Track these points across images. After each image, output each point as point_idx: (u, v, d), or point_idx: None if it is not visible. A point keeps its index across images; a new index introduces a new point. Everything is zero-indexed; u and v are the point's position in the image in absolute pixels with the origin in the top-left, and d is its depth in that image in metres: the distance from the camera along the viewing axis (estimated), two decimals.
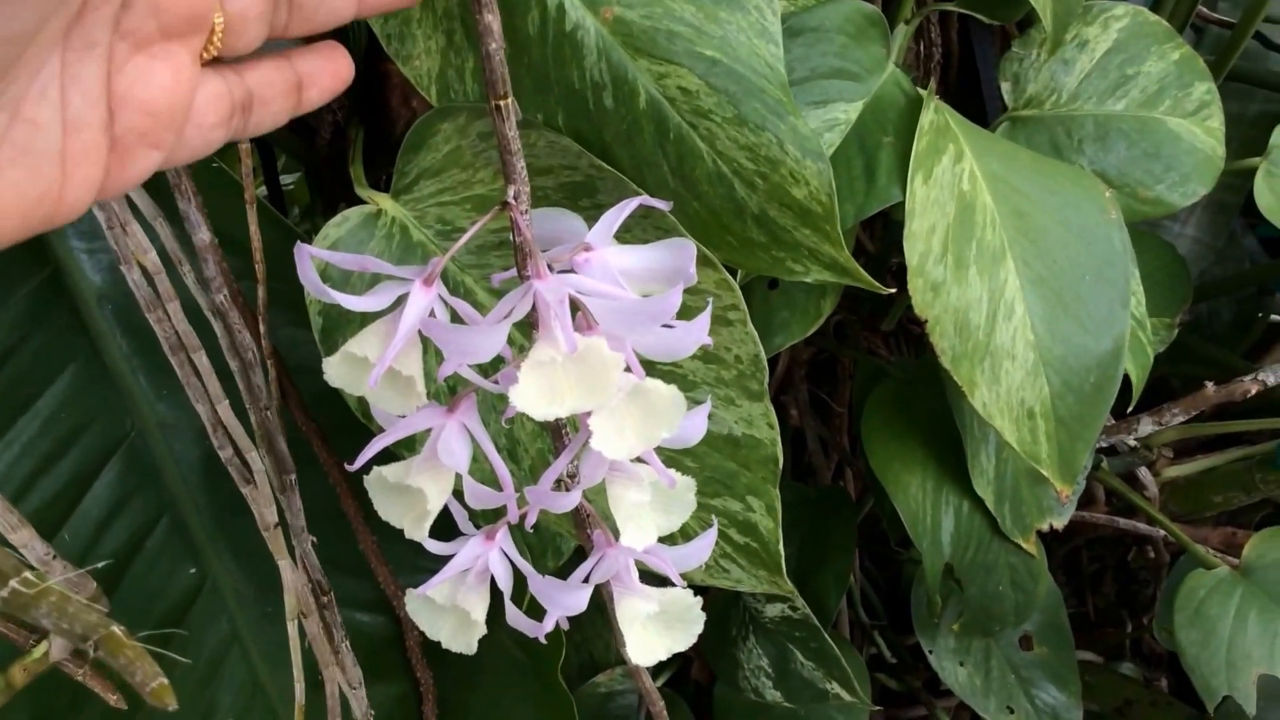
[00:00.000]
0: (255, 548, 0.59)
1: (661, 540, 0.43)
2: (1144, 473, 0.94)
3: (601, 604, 0.85)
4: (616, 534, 0.42)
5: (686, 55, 0.44)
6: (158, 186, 0.53)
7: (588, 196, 0.46)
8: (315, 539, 0.58)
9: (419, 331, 0.39)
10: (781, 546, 0.50)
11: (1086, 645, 1.08)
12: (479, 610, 0.43)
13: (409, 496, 0.40)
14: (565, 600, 0.42)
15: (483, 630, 0.43)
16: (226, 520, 0.63)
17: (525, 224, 0.38)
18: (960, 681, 0.81)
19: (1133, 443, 0.91)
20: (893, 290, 0.53)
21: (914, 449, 0.72)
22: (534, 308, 0.37)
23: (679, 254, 0.39)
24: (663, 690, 0.87)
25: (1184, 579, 0.76)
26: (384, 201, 0.50)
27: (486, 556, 0.43)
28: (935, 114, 0.62)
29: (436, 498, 0.40)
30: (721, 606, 0.83)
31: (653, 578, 0.43)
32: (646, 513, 0.41)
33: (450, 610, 0.43)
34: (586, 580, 0.42)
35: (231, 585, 0.64)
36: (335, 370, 0.39)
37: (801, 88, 0.61)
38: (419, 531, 0.41)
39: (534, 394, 0.35)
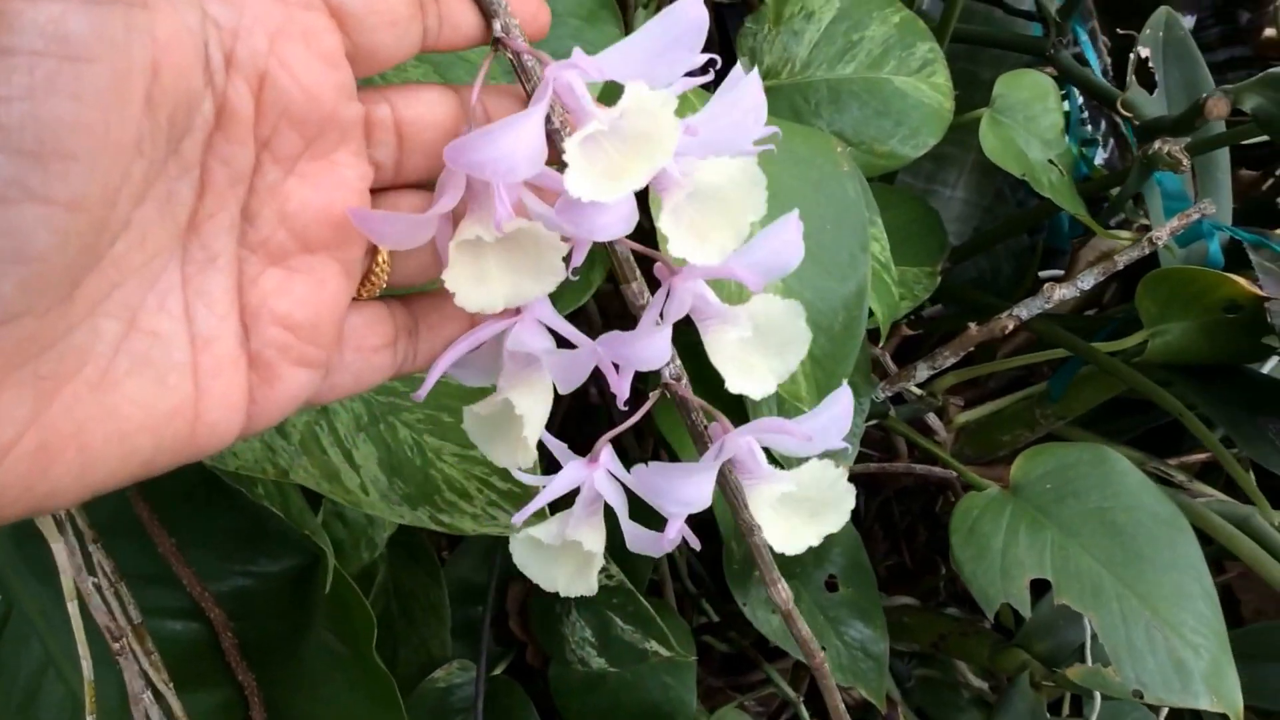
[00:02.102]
0: (56, 567, 0.61)
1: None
2: (932, 418, 1.00)
3: (434, 602, 0.87)
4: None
5: None
6: None
7: None
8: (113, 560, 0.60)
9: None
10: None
11: (906, 592, 1.14)
12: (594, 541, 0.38)
13: (503, 420, 0.37)
14: (683, 492, 0.37)
15: (601, 562, 0.39)
16: (24, 543, 0.64)
17: (529, 54, 0.34)
18: (774, 628, 0.85)
19: (917, 390, 0.97)
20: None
21: None
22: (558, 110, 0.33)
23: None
24: (499, 679, 0.89)
25: (959, 502, 0.81)
26: None
27: (591, 479, 0.38)
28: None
29: (534, 409, 0.36)
30: (540, 593, 0.86)
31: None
32: (754, 352, 0.38)
33: (562, 549, 0.39)
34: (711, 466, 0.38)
35: (39, 607, 0.65)
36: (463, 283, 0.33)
37: None
38: (527, 456, 0.37)
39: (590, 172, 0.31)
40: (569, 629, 0.82)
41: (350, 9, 0.31)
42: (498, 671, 0.91)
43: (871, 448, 1.10)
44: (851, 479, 0.93)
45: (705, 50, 0.34)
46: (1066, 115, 1.01)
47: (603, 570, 0.81)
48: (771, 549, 0.38)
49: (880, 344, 0.76)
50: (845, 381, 0.39)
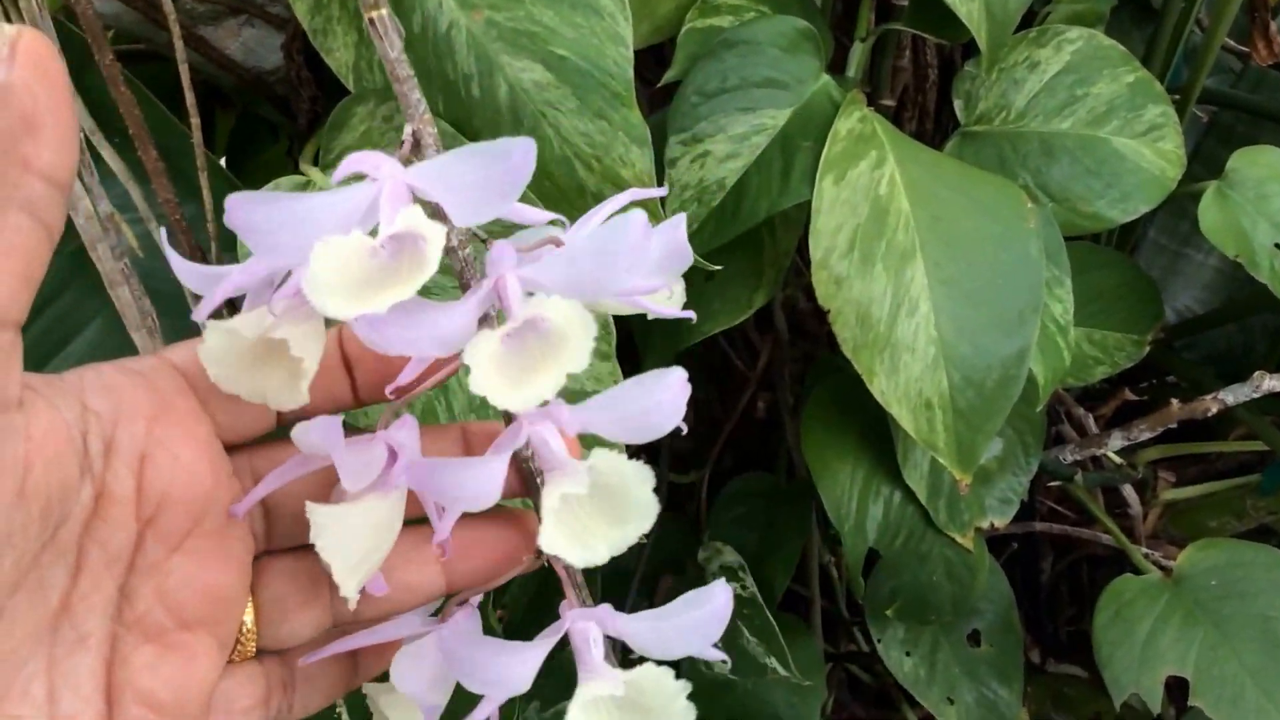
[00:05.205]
0: None
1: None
2: (1128, 490, 0.96)
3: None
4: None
5: (541, 53, 0.51)
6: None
7: None
8: None
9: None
10: None
11: (1082, 662, 1.10)
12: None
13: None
14: (493, 672, 0.32)
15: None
16: None
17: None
18: (905, 670, 0.85)
19: (1116, 459, 0.93)
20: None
21: (849, 440, 0.76)
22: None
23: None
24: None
25: (1112, 582, 0.78)
26: (314, 174, 0.57)
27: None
28: (860, 123, 0.67)
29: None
30: (686, 588, 0.88)
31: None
32: (589, 514, 0.32)
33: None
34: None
35: None
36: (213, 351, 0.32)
37: (733, 95, 0.67)
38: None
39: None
40: None
41: (210, 403, 0.32)
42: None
43: (1070, 508, 1.07)
44: (1039, 537, 0.91)
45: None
46: None
47: (739, 580, 0.83)
48: None
49: (1040, 406, 0.74)
50: (723, 580, 0.35)
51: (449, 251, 0.32)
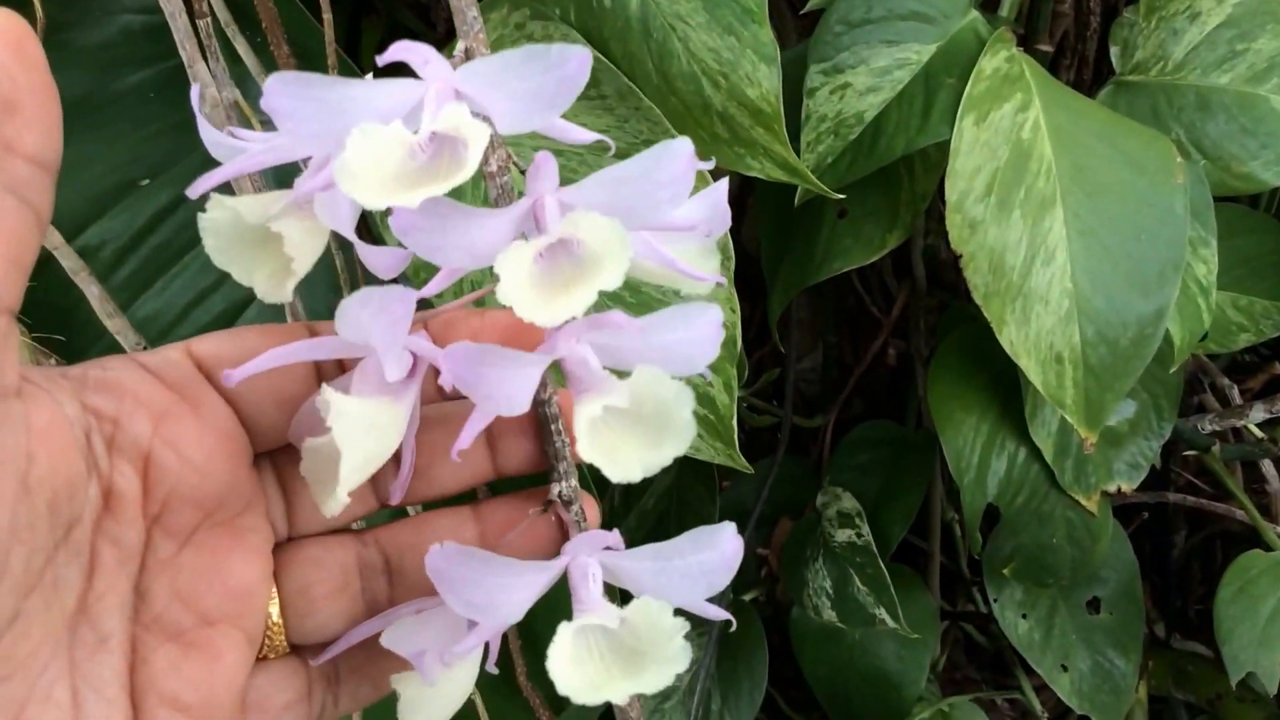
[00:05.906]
0: None
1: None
2: (1268, 465, 0.92)
3: (705, 516, 0.91)
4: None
5: None
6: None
7: (594, 86, 0.52)
8: None
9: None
10: (735, 422, 0.55)
11: (1208, 641, 1.07)
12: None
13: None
14: (484, 594, 0.30)
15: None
16: None
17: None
18: (1019, 633, 0.83)
19: (1258, 432, 0.89)
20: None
21: (976, 391, 0.75)
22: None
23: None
24: (743, 602, 0.92)
25: (1238, 557, 0.76)
26: None
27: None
28: (1006, 63, 0.65)
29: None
30: (802, 532, 0.88)
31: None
32: (625, 432, 0.31)
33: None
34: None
35: None
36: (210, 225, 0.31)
37: (878, 26, 0.66)
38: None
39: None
40: (811, 575, 0.83)
41: (238, 394, 0.32)
42: (747, 597, 0.93)
43: (1207, 482, 1.03)
44: (1172, 509, 0.88)
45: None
46: None
47: (855, 529, 0.82)
48: None
49: (1173, 367, 0.71)
50: (733, 525, 0.33)
51: (487, 177, 0.31)
